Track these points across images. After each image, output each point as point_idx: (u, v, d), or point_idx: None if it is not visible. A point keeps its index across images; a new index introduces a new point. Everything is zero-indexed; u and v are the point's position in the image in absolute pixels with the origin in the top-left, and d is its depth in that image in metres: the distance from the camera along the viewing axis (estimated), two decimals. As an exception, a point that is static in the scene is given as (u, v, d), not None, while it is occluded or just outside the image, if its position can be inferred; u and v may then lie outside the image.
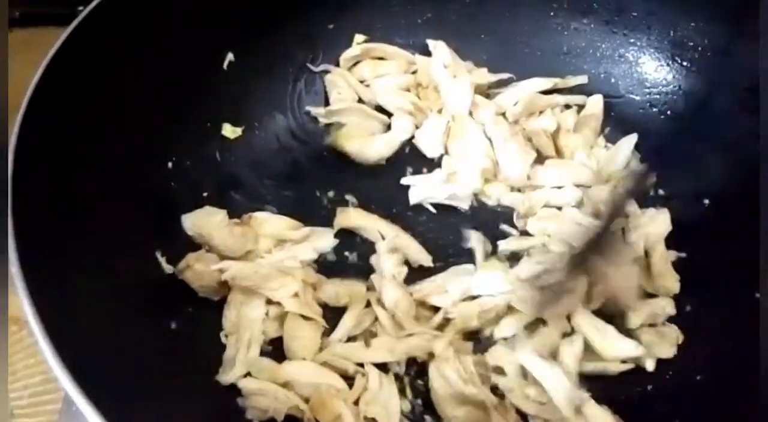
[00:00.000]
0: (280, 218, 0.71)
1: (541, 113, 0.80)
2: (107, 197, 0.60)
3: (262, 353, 0.61)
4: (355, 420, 0.55)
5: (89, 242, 0.56)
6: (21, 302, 0.45)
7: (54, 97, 0.56)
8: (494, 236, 0.72)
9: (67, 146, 0.57)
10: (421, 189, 0.74)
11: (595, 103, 0.80)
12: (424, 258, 0.69)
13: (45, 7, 0.92)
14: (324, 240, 0.70)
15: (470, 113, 0.78)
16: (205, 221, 0.65)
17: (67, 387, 0.42)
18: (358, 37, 0.83)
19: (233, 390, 0.57)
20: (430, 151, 0.77)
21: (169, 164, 0.70)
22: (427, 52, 0.83)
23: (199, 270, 0.62)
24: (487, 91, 0.81)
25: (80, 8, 0.61)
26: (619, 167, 0.76)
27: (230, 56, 0.76)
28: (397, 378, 0.62)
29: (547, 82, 0.81)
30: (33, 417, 0.71)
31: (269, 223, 0.69)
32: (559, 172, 0.74)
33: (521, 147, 0.74)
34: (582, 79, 0.82)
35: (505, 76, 0.81)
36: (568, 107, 0.81)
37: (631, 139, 0.77)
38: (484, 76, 0.80)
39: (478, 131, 0.76)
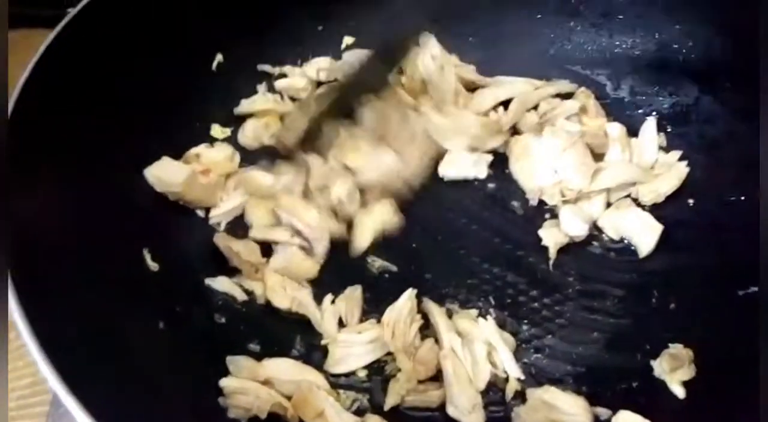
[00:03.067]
0: (219, 149, 0.73)
1: (535, 108, 0.80)
2: (96, 197, 0.61)
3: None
4: (338, 416, 0.55)
5: (77, 242, 0.56)
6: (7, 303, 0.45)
7: (41, 98, 0.56)
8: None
9: (56, 145, 0.58)
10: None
11: (587, 96, 0.80)
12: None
13: (34, 8, 0.92)
14: None
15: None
16: (172, 177, 0.67)
17: (55, 387, 0.42)
18: (347, 39, 0.84)
19: (220, 390, 0.57)
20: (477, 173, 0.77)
21: (158, 165, 0.69)
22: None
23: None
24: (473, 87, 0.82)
25: (69, 10, 0.61)
26: (654, 155, 0.76)
27: (219, 57, 0.76)
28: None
29: (528, 86, 0.81)
30: (20, 420, 0.70)
31: (206, 155, 0.72)
32: (614, 173, 0.73)
33: (580, 158, 0.73)
34: (565, 85, 0.82)
35: (490, 80, 0.82)
36: (559, 96, 0.81)
37: (651, 122, 0.77)
38: (471, 72, 0.81)
39: (541, 148, 0.75)
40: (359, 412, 0.59)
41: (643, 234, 0.70)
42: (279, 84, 0.81)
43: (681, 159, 0.75)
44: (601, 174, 0.73)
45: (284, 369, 0.59)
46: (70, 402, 0.41)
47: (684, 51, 0.78)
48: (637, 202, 0.73)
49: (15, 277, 0.46)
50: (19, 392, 0.72)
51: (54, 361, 0.43)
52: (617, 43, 0.82)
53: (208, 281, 0.66)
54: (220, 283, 0.66)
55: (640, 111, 0.80)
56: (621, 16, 0.81)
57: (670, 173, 0.74)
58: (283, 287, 0.65)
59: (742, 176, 0.70)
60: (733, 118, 0.74)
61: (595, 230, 0.72)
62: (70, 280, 0.53)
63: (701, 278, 0.67)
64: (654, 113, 0.80)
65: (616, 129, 0.77)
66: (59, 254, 0.53)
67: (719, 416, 0.58)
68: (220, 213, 0.69)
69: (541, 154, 0.75)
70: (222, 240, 0.66)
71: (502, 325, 0.65)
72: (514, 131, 0.79)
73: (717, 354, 0.61)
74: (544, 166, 0.74)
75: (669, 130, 0.78)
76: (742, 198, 0.70)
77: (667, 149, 0.77)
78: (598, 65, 0.83)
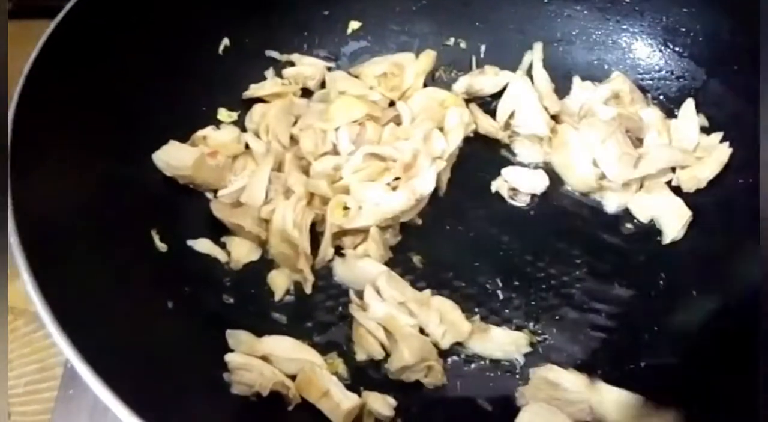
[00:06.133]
0: (226, 131, 0.73)
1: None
2: (103, 181, 0.61)
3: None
4: (342, 394, 0.55)
5: (87, 224, 0.56)
6: (23, 286, 0.45)
7: (47, 86, 0.56)
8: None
9: (64, 130, 0.58)
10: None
11: (622, 81, 0.79)
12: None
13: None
14: None
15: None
16: (180, 161, 0.67)
17: (72, 360, 0.42)
18: (353, 24, 0.84)
19: (225, 367, 0.57)
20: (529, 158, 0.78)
21: (166, 147, 0.69)
22: (423, 39, 0.84)
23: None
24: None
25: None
26: (695, 136, 0.74)
27: (226, 41, 0.76)
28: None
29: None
30: (29, 405, 0.71)
31: (213, 138, 0.72)
32: (655, 159, 0.72)
33: (621, 147, 0.72)
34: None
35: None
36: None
37: (689, 104, 0.76)
38: (490, 126, 0.79)
39: (580, 139, 0.75)
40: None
41: (671, 219, 0.70)
42: (287, 72, 0.80)
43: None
44: (642, 161, 0.72)
45: (283, 347, 0.59)
46: (86, 374, 0.42)
47: (691, 34, 0.77)
48: (677, 189, 0.73)
49: (29, 259, 0.46)
50: (27, 377, 0.73)
51: (70, 337, 0.43)
52: (624, 27, 0.82)
53: (190, 242, 0.66)
54: (202, 245, 0.66)
55: (647, 95, 0.80)
56: (628, 0, 0.80)
57: (711, 157, 0.72)
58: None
59: (752, 158, 0.70)
60: (741, 100, 0.73)
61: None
62: (80, 261, 0.53)
63: (710, 260, 0.67)
64: (661, 97, 0.80)
65: (652, 114, 0.77)
66: (69, 237, 0.54)
67: (726, 397, 0.57)
68: (228, 194, 0.68)
69: (581, 145, 0.74)
70: (221, 211, 0.67)
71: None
72: (555, 119, 0.78)
73: (725, 336, 0.61)
74: (583, 157, 0.74)
75: (676, 114, 0.78)
76: (751, 181, 0.70)
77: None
78: (605, 49, 0.82)
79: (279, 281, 0.66)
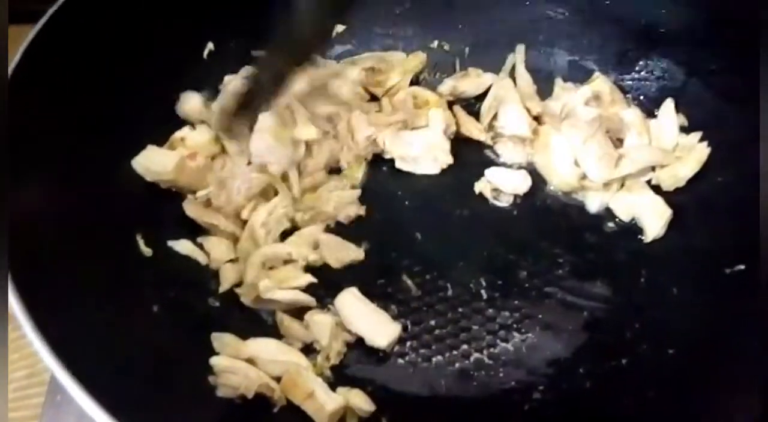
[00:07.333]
0: (202, 131, 0.73)
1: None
2: (86, 186, 0.61)
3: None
4: (327, 396, 0.56)
5: (70, 230, 0.57)
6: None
7: (27, 92, 0.56)
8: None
9: (44, 137, 0.58)
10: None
11: (603, 81, 0.80)
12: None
13: (22, 4, 0.92)
14: None
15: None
16: (161, 166, 0.66)
17: (55, 371, 0.42)
18: (338, 27, 0.84)
19: (211, 371, 0.57)
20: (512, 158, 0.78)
21: (150, 152, 0.69)
22: (407, 42, 0.85)
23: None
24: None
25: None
26: (675, 136, 0.75)
27: (210, 46, 0.76)
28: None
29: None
30: (17, 412, 0.71)
31: (191, 138, 0.72)
32: (635, 159, 0.73)
33: (602, 148, 0.73)
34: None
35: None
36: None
37: (669, 104, 0.77)
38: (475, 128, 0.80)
39: (562, 140, 0.76)
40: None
41: (652, 218, 0.71)
42: None
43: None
44: (622, 161, 0.73)
45: (268, 349, 0.59)
46: (70, 385, 0.42)
47: (670, 35, 0.78)
48: (657, 188, 0.73)
49: (12, 265, 0.46)
50: (15, 383, 0.72)
51: (52, 347, 0.43)
52: (604, 28, 0.82)
53: (171, 243, 0.66)
54: (182, 246, 0.66)
55: (627, 96, 0.81)
56: (608, 2, 0.81)
57: (689, 156, 0.73)
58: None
59: (730, 157, 0.71)
60: (720, 100, 0.74)
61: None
62: (64, 267, 0.53)
63: (690, 257, 0.68)
64: (641, 97, 0.81)
65: (633, 115, 0.77)
66: (52, 246, 0.54)
67: (706, 392, 0.58)
68: (206, 194, 0.68)
69: (563, 146, 0.75)
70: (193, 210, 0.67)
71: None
72: (537, 120, 0.79)
73: (704, 330, 0.62)
74: (565, 158, 0.75)
75: (656, 114, 0.79)
76: (731, 179, 0.71)
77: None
78: (586, 51, 0.83)
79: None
